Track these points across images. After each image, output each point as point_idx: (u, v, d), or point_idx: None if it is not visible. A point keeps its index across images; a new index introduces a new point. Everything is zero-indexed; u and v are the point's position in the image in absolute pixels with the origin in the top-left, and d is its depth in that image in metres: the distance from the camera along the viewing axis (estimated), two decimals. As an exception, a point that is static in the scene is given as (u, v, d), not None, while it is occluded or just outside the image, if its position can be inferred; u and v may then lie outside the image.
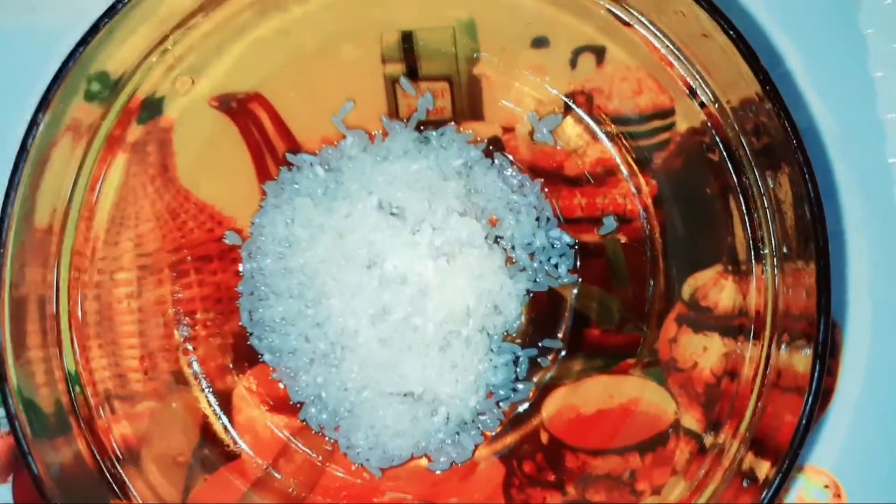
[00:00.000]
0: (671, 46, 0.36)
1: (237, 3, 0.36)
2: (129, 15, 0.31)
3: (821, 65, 0.40)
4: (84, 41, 0.31)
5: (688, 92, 0.37)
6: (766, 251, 0.36)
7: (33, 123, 0.31)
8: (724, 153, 0.37)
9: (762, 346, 0.36)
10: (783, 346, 0.35)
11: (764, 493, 0.32)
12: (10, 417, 0.31)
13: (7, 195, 0.32)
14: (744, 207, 0.37)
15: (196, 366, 0.39)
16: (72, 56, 0.31)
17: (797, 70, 0.40)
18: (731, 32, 0.31)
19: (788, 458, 0.33)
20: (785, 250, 0.35)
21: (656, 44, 0.37)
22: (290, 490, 0.38)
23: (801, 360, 0.34)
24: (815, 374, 0.32)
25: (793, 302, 0.35)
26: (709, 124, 0.37)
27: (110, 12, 0.30)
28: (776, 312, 0.36)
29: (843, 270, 0.40)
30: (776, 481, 0.32)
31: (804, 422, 0.32)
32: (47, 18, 0.40)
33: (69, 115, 0.33)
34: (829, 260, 0.32)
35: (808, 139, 0.32)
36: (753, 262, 0.37)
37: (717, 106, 0.36)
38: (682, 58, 0.36)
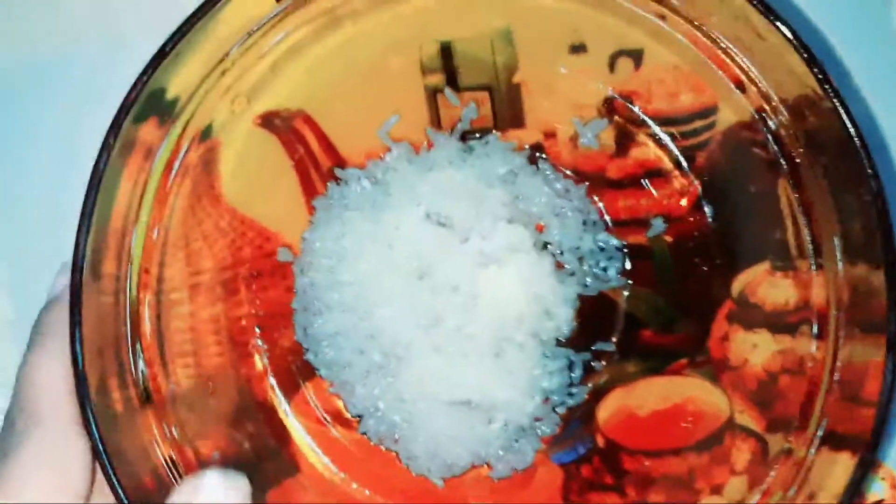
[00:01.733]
0: (719, 44, 0.37)
1: (296, 21, 0.37)
2: (191, 37, 0.32)
3: (867, 62, 0.40)
4: (152, 64, 0.31)
5: (734, 87, 0.37)
6: (822, 245, 0.36)
7: (105, 147, 0.31)
8: (776, 149, 0.37)
9: (827, 343, 0.36)
10: (850, 343, 0.35)
11: (845, 494, 0.32)
12: (94, 447, 0.31)
13: (82, 219, 0.32)
14: (796, 203, 0.37)
15: (254, 382, 0.39)
16: (140, 79, 0.31)
17: (847, 64, 0.40)
18: (787, 31, 0.32)
19: (863, 457, 0.32)
20: (845, 246, 0.35)
21: (703, 41, 0.37)
22: (360, 497, 0.39)
23: (868, 355, 0.33)
24: (890, 371, 0.32)
25: (857, 298, 0.35)
26: (757, 119, 0.37)
27: (175, 35, 0.31)
28: (840, 309, 0.36)
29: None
30: (854, 481, 0.32)
31: (881, 419, 0.32)
32: (91, 47, 0.41)
33: (135, 139, 0.34)
34: (895, 253, 0.32)
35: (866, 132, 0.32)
36: (811, 258, 0.37)
37: (766, 101, 0.37)
38: (729, 54, 0.37)
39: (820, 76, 0.32)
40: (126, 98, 0.31)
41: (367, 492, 0.39)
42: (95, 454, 0.32)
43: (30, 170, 0.43)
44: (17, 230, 0.43)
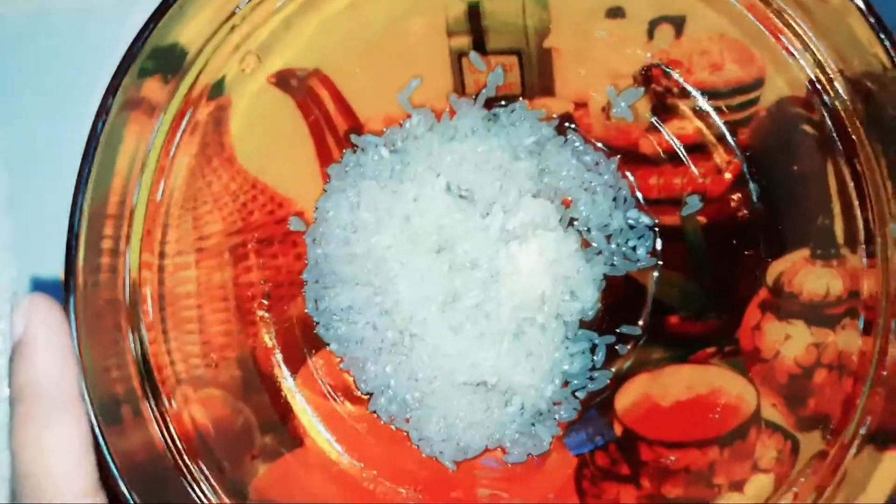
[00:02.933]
0: (774, 7, 0.34)
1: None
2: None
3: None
4: (154, 18, 0.29)
5: (788, 56, 0.34)
6: (875, 235, 0.34)
7: (104, 104, 0.30)
8: (830, 125, 0.34)
9: (875, 339, 0.34)
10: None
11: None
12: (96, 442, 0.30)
13: (79, 179, 0.30)
14: (850, 185, 0.34)
15: (259, 352, 0.38)
16: (141, 34, 0.29)
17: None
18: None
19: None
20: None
21: (758, 4, 0.34)
22: (363, 476, 0.37)
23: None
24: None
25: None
26: (812, 92, 0.35)
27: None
28: (891, 302, 0.33)
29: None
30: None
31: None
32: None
33: (138, 95, 0.32)
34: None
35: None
36: (860, 245, 0.35)
37: (823, 72, 0.34)
38: (785, 20, 0.34)
39: (888, 43, 0.29)
40: (127, 52, 0.29)
41: (372, 472, 0.38)
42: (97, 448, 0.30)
43: (36, 123, 0.41)
44: (22, 187, 0.41)
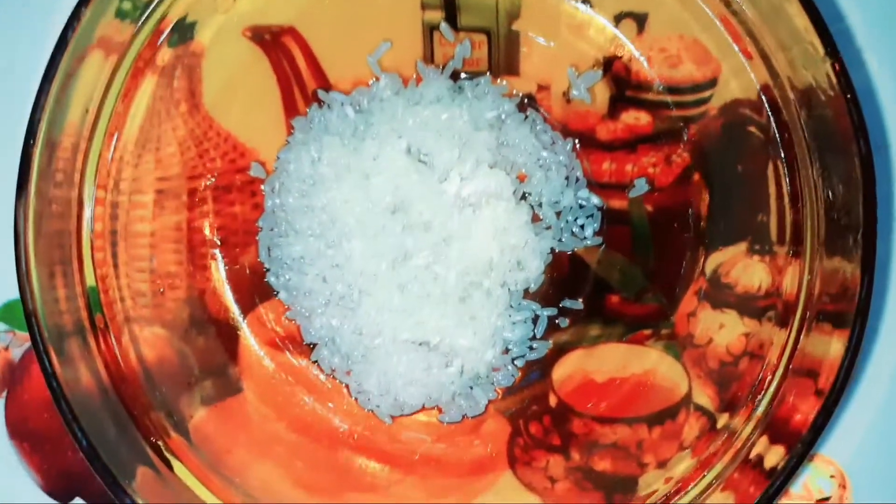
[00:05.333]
0: (736, 12, 0.36)
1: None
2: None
3: (875, 43, 0.39)
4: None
5: (742, 56, 0.36)
6: (806, 234, 0.36)
7: (63, 37, 0.30)
8: (775, 129, 0.36)
9: (789, 331, 0.36)
10: (812, 333, 0.35)
11: (774, 480, 0.31)
12: (31, 327, 0.30)
13: (35, 107, 0.31)
14: (786, 186, 0.36)
15: (209, 295, 0.38)
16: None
17: (856, 28, 0.39)
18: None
19: (801, 449, 0.32)
20: (826, 235, 0.35)
21: (720, 6, 0.36)
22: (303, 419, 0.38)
23: (828, 349, 0.33)
24: (844, 367, 0.32)
25: (827, 290, 0.34)
26: (762, 97, 0.36)
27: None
28: (809, 298, 0.35)
29: (885, 263, 0.39)
30: (786, 470, 0.31)
31: (823, 413, 0.32)
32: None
33: (99, 32, 0.32)
34: (874, 250, 0.31)
35: (865, 101, 0.31)
36: (789, 243, 0.37)
37: (771, 75, 0.36)
38: (746, 26, 0.36)
39: (826, 41, 0.31)
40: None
41: (316, 408, 0.38)
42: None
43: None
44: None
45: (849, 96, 0.31)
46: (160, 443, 0.35)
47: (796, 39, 0.33)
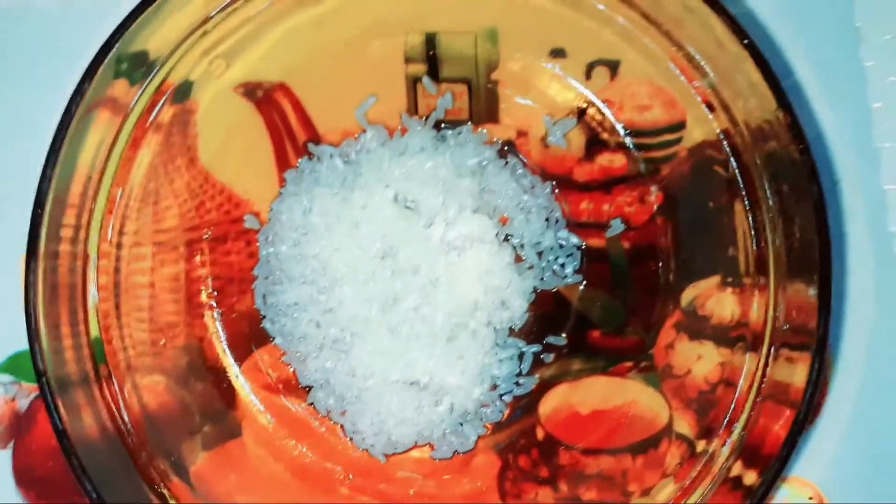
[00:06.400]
0: (689, 58, 0.38)
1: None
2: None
3: (823, 92, 0.42)
4: (128, 20, 0.31)
5: (703, 105, 0.39)
6: (770, 265, 0.38)
7: (74, 99, 0.32)
8: (735, 167, 0.38)
9: (759, 358, 0.38)
10: (778, 360, 0.37)
11: (748, 501, 0.33)
12: (42, 385, 0.31)
13: (45, 169, 0.32)
14: (750, 222, 0.38)
15: (206, 343, 0.40)
16: (115, 35, 0.31)
17: (803, 93, 0.42)
18: (745, 41, 0.33)
19: (774, 469, 0.34)
20: (788, 266, 0.37)
21: (676, 55, 0.38)
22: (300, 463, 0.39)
23: (794, 374, 0.35)
24: (809, 390, 0.34)
25: (791, 318, 0.36)
26: (722, 139, 0.39)
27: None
28: (774, 327, 0.37)
29: (842, 289, 0.41)
30: (761, 490, 0.33)
31: (793, 435, 0.34)
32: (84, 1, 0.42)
33: (107, 93, 0.34)
34: (830, 280, 0.33)
35: (816, 152, 0.33)
36: (755, 276, 0.39)
37: (732, 122, 0.38)
38: (698, 70, 0.38)
39: (775, 87, 0.33)
40: (99, 53, 0.32)
41: (312, 451, 0.39)
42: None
43: (8, 112, 0.43)
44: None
45: (801, 146, 0.33)
46: (164, 490, 0.36)
47: (752, 92, 0.35)
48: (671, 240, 0.40)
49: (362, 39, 0.40)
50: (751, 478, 0.35)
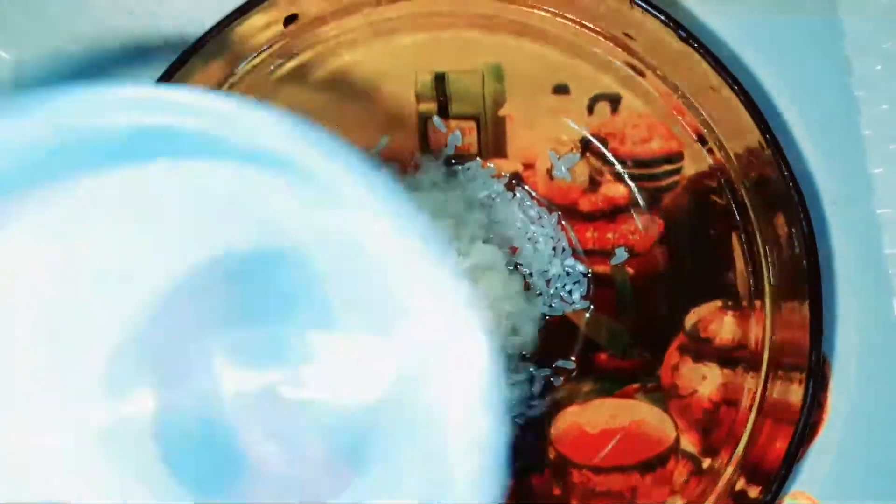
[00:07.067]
0: (682, 97, 0.40)
1: (301, 45, 0.40)
2: (202, 50, 0.35)
3: (815, 121, 0.44)
4: (164, 76, 0.34)
5: (696, 139, 0.41)
6: (765, 288, 0.40)
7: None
8: (729, 196, 0.40)
9: (759, 377, 0.40)
10: (777, 379, 0.39)
11: None
12: None
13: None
14: (745, 247, 0.40)
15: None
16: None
17: (793, 123, 0.44)
18: (735, 86, 0.35)
19: (776, 483, 0.35)
20: (781, 289, 0.39)
21: (670, 94, 0.40)
22: None
23: (791, 393, 0.37)
24: (805, 408, 0.35)
25: (787, 337, 0.38)
26: (715, 169, 0.41)
27: (189, 49, 0.34)
28: (772, 346, 0.39)
29: (834, 309, 0.43)
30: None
31: (793, 450, 0.35)
32: (114, 52, 0.44)
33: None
34: (821, 299, 0.35)
35: (804, 186, 0.35)
36: (752, 298, 0.40)
37: (722, 153, 0.40)
38: (692, 108, 0.40)
39: (763, 129, 0.35)
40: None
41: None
42: None
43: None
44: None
45: (791, 184, 0.35)
46: None
47: (743, 127, 0.37)
48: (673, 266, 0.42)
49: (374, 84, 0.42)
50: (755, 492, 0.37)
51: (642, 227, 0.43)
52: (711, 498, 0.39)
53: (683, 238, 0.42)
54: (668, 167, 0.43)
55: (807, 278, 0.35)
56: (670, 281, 0.42)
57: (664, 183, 0.43)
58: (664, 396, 0.42)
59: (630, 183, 0.43)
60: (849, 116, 0.44)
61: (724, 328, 0.42)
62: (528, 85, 0.43)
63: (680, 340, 0.42)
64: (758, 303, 0.40)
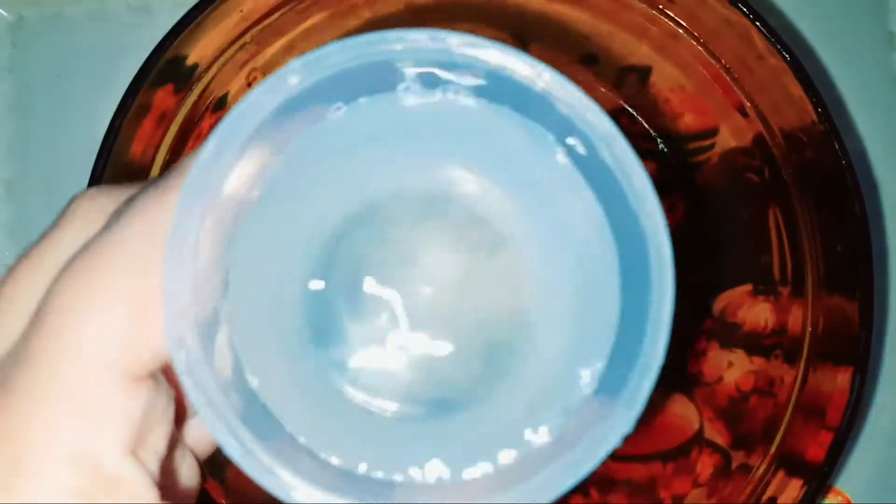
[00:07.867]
0: (724, 68, 0.38)
1: (316, 6, 0.38)
2: (218, 8, 0.33)
3: (861, 102, 0.41)
4: (172, 34, 0.32)
5: (737, 110, 0.38)
6: (807, 276, 0.38)
7: (121, 108, 0.33)
8: (769, 174, 0.38)
9: (797, 369, 0.37)
10: (817, 372, 0.36)
11: None
12: None
13: (93, 175, 0.33)
14: (784, 230, 0.38)
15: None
16: (161, 46, 0.32)
17: (844, 96, 0.41)
18: (787, 56, 0.33)
19: (818, 480, 0.33)
20: (827, 277, 0.36)
21: (710, 63, 0.38)
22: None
23: (834, 387, 0.35)
24: (850, 405, 0.33)
25: (831, 328, 0.36)
26: (755, 145, 0.39)
27: (200, 5, 0.32)
28: (814, 338, 0.37)
29: (885, 299, 0.41)
30: (805, 500, 0.33)
31: (837, 446, 0.33)
32: (118, 7, 0.42)
33: (150, 103, 0.35)
34: (872, 288, 0.33)
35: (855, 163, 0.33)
36: (791, 285, 0.38)
37: (766, 128, 0.38)
38: (733, 79, 0.38)
39: (815, 101, 0.33)
40: (145, 63, 0.32)
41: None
42: None
43: (50, 124, 0.44)
44: (32, 182, 0.43)
45: (842, 158, 0.33)
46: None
47: (790, 104, 0.35)
48: (702, 247, 0.40)
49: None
50: (794, 489, 0.35)
51: (671, 204, 0.40)
52: (742, 497, 0.37)
53: (714, 218, 0.40)
54: (700, 143, 0.40)
55: (857, 269, 0.33)
56: (698, 263, 0.40)
57: (696, 159, 0.41)
58: (689, 384, 0.40)
59: (659, 158, 0.41)
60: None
61: (755, 313, 0.40)
62: (554, 55, 0.40)
63: (707, 325, 0.40)
64: (797, 290, 0.38)
